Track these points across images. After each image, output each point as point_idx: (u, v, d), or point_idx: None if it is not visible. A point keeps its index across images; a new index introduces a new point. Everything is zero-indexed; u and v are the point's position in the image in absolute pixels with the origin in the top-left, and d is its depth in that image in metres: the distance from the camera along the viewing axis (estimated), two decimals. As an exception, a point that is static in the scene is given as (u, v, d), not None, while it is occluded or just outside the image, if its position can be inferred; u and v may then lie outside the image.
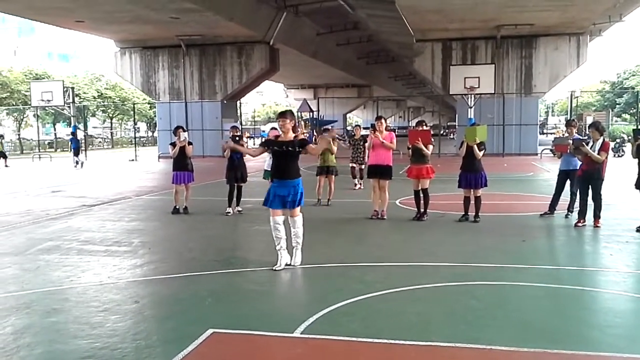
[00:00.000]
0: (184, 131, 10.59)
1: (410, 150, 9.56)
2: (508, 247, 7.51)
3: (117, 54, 30.08)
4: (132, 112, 45.12)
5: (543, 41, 27.00)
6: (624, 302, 5.29)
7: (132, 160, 29.10)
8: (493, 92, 25.60)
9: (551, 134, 49.86)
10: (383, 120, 9.72)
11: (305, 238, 6.60)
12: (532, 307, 5.09)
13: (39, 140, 39.25)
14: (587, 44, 27.12)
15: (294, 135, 6.45)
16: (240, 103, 32.05)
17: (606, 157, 8.62)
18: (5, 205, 12.19)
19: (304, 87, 54.26)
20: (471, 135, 9.14)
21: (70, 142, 27.01)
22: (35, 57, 65.87)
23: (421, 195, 9.48)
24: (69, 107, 28.90)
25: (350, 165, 14.11)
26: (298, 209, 6.42)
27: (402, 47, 30.16)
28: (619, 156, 25.56)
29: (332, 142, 11.72)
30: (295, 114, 50.75)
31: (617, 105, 57.75)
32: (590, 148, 8.56)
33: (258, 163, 16.88)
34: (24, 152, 39.79)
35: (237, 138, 10.43)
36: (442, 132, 48.08)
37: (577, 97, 41.48)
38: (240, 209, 10.56)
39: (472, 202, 9.27)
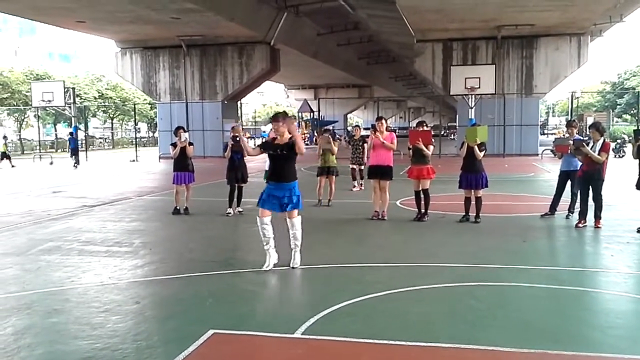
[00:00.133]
0: (185, 132, 10.58)
1: (410, 151, 9.56)
2: (509, 248, 7.51)
3: (118, 54, 30.10)
4: (132, 113, 45.12)
5: (544, 41, 27.00)
6: (625, 303, 5.29)
7: (133, 160, 29.12)
8: (494, 92, 25.58)
9: (552, 134, 49.83)
10: (384, 121, 9.71)
11: (306, 239, 6.60)
12: (533, 308, 5.09)
13: (39, 141, 39.27)
14: (588, 44, 27.12)
15: (289, 136, 6.39)
16: (241, 103, 32.07)
17: (606, 158, 8.61)
18: (6, 206, 12.20)
19: (304, 87, 54.31)
20: (472, 136, 9.13)
21: (68, 142, 27.05)
22: (36, 58, 65.85)
23: (422, 195, 9.48)
24: (70, 107, 28.92)
25: (351, 167, 14.08)
26: (296, 211, 6.38)
27: (402, 47, 30.17)
28: (619, 157, 25.54)
29: (332, 143, 11.74)
30: (296, 114, 50.89)
31: (618, 106, 57.74)
32: (591, 149, 8.55)
33: (259, 164, 16.90)
34: (25, 152, 39.82)
35: (237, 138, 10.43)
36: (442, 132, 48.05)
37: (577, 97, 41.50)
38: (240, 209, 10.55)
39: (473, 202, 9.27)
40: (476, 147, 9.07)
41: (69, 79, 42.28)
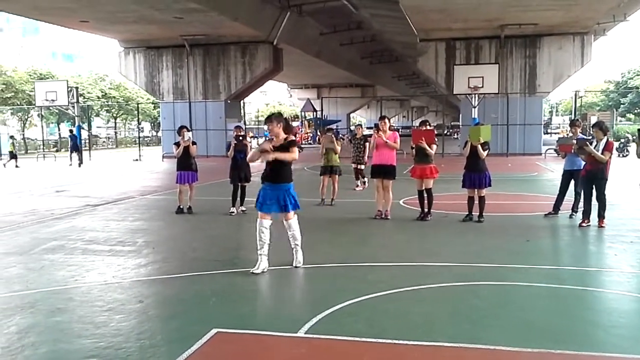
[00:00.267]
0: (188, 131, 10.59)
1: (413, 150, 9.56)
2: (512, 247, 7.50)
3: (121, 53, 30.14)
4: (136, 112, 45.18)
5: (547, 41, 26.93)
6: (628, 302, 5.28)
7: (136, 160, 29.17)
8: (497, 91, 25.54)
9: (555, 133, 49.72)
10: (387, 120, 9.70)
11: (309, 238, 6.60)
12: (536, 307, 5.08)
13: (43, 140, 39.37)
14: (592, 43, 27.04)
15: (284, 137, 6.33)
16: (243, 103, 32.08)
17: (610, 157, 8.60)
18: (10, 205, 12.25)
19: (307, 86, 54.29)
20: (475, 135, 9.12)
21: (69, 139, 27.10)
22: (40, 57, 66.05)
23: (425, 195, 9.48)
24: (73, 107, 28.93)
25: (354, 167, 14.05)
26: (292, 212, 6.33)
27: (405, 46, 30.12)
28: (623, 156, 25.48)
29: (335, 142, 11.73)
30: (299, 113, 50.76)
31: (622, 105, 57.54)
32: (594, 148, 8.53)
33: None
34: (29, 151, 39.92)
35: (240, 138, 10.46)
36: (445, 131, 47.96)
37: (581, 96, 41.35)
38: (244, 208, 10.56)
39: (476, 202, 9.26)
40: (479, 147, 9.06)
41: (72, 79, 42.36)
